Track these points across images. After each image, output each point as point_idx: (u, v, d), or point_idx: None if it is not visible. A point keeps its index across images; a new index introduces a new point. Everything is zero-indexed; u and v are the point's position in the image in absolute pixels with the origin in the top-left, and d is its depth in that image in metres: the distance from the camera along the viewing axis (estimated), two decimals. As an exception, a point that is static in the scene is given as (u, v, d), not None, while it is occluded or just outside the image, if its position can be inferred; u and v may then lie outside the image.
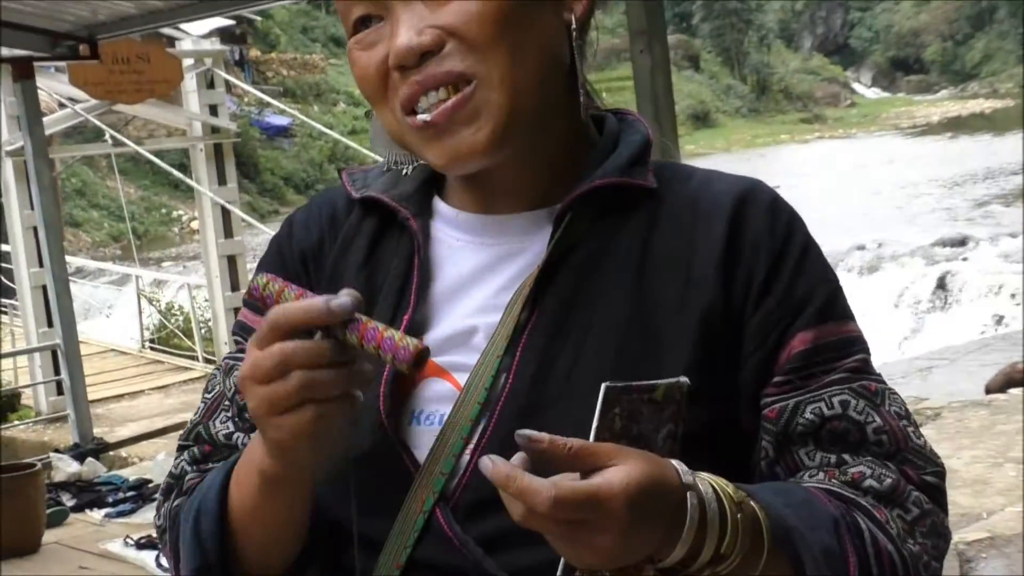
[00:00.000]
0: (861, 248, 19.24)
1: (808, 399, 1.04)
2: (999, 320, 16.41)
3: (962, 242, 18.78)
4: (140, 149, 12.26)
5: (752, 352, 1.06)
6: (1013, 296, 16.64)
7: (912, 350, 16.00)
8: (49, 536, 4.92)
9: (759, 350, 1.06)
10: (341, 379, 0.90)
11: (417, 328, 1.08)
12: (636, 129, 1.15)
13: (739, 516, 0.91)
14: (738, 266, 1.06)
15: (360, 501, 1.05)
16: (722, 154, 41.26)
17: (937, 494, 1.05)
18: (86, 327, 13.37)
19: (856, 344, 1.08)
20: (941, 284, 17.53)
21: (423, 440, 1.06)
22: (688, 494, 0.89)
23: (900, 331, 16.97)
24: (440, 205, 1.16)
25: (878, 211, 24.07)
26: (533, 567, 1.00)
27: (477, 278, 1.10)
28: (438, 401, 1.07)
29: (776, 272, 1.07)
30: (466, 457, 1.04)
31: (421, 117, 1.02)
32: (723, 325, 1.05)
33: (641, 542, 0.87)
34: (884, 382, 1.09)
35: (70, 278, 12.75)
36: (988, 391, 10.16)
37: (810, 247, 1.10)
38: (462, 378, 1.06)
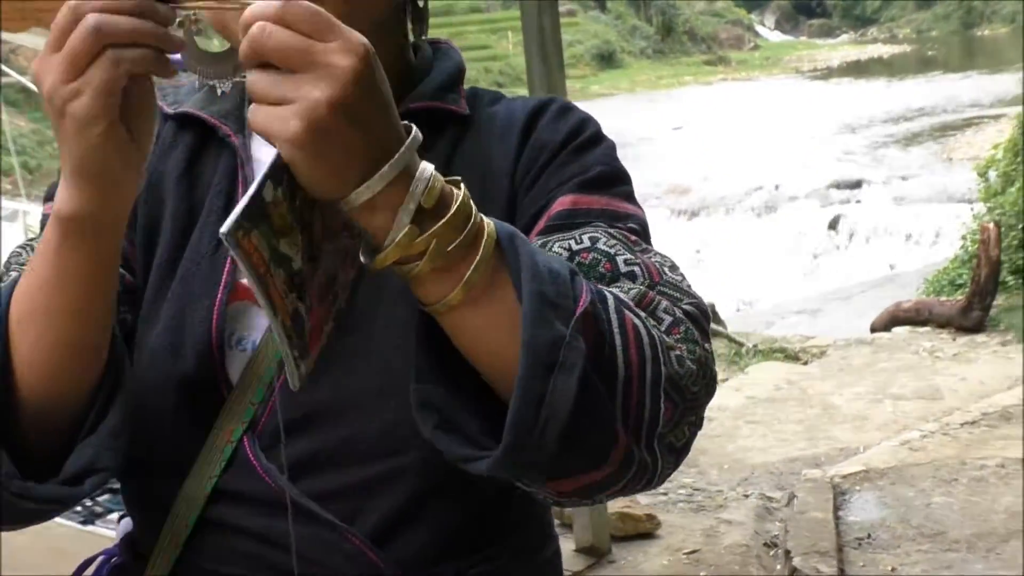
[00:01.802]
0: (759, 189, 19.52)
1: (558, 238, 1.01)
2: (890, 261, 16.80)
3: (857, 184, 19.14)
4: (24, 80, 11.89)
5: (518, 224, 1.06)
6: (908, 237, 17.03)
7: (806, 290, 16.33)
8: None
9: (521, 221, 1.06)
10: (146, 30, 0.83)
11: None
12: (449, 57, 1.18)
13: (450, 187, 0.83)
14: (523, 167, 1.09)
15: (173, 424, 1.04)
16: (626, 94, 41.38)
17: (694, 323, 0.95)
18: (-28, 263, 12.98)
19: (628, 218, 1.05)
20: (835, 225, 17.88)
21: (235, 366, 1.05)
22: (403, 124, 0.82)
23: (795, 272, 17.30)
24: None
25: (777, 153, 24.37)
26: (335, 491, 1.02)
27: None
28: (251, 326, 1.06)
29: (553, 159, 1.08)
30: (275, 385, 1.03)
31: None
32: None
33: (361, 129, 0.78)
34: (654, 251, 1.02)
35: (-44, 213, 12.37)
36: (873, 330, 10.43)
37: (597, 143, 1.11)
38: None
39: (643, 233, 1.05)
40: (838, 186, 19.09)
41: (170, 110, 1.15)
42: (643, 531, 4.70)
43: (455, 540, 1.06)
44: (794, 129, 27.87)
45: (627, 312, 0.88)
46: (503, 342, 0.84)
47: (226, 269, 1.06)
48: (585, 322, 0.84)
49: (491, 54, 43.29)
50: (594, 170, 1.08)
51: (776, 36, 73.18)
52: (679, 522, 4.94)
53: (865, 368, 8.03)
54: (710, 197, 19.56)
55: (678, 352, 0.90)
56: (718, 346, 8.89)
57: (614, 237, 1.01)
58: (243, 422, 1.03)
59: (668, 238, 18.66)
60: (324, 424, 1.02)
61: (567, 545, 4.45)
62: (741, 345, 8.80)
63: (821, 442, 6.36)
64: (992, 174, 12.02)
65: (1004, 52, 46.72)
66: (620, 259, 0.98)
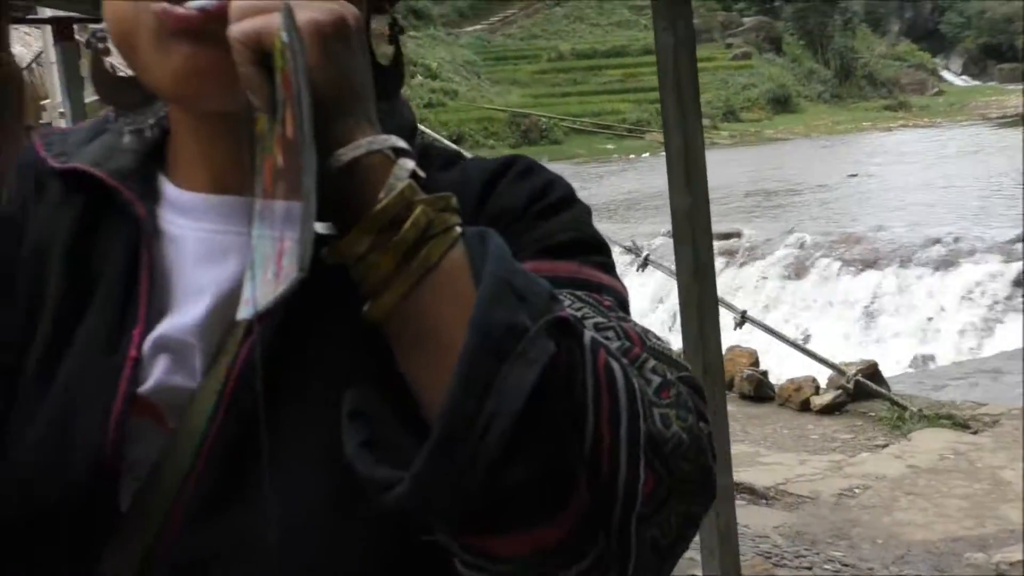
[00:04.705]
0: (936, 242, 18.77)
1: None
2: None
3: (1044, 238, 18.25)
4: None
5: None
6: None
7: (984, 351, 15.55)
8: None
9: None
10: None
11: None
12: (401, 114, 0.97)
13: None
14: None
15: (41, 561, 0.83)
16: (802, 139, 40.64)
17: (689, 393, 0.79)
18: None
19: (601, 289, 0.88)
20: (1020, 283, 17.07)
21: (126, 493, 0.84)
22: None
23: (972, 331, 16.53)
24: (167, 186, 0.92)
25: (958, 203, 23.49)
26: None
27: (202, 278, 0.88)
28: (149, 449, 0.84)
29: (514, 224, 0.90)
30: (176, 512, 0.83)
31: (195, 4, 0.78)
32: None
33: (358, 71, 0.74)
34: (634, 321, 0.85)
35: None
36: (1054, 397, 9.76)
37: (565, 207, 0.93)
38: (174, 414, 0.85)
39: (621, 307, 0.88)
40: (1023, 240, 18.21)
41: (57, 164, 0.93)
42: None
43: None
44: (977, 178, 26.86)
45: (603, 352, 0.74)
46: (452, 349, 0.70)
47: (125, 375, 0.85)
48: (560, 331, 0.71)
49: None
50: (560, 236, 0.90)
51: (962, 81, 71.24)
52: (823, 605, 4.58)
53: (1042, 440, 7.47)
54: (884, 249, 18.88)
55: (663, 412, 0.76)
56: (879, 409, 8.43)
57: (581, 300, 0.83)
58: (132, 563, 0.82)
59: (838, 292, 18.07)
60: (228, 569, 0.81)
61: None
62: (904, 409, 8.30)
63: (988, 521, 5.93)
64: None
65: None
66: (590, 322, 0.80)
